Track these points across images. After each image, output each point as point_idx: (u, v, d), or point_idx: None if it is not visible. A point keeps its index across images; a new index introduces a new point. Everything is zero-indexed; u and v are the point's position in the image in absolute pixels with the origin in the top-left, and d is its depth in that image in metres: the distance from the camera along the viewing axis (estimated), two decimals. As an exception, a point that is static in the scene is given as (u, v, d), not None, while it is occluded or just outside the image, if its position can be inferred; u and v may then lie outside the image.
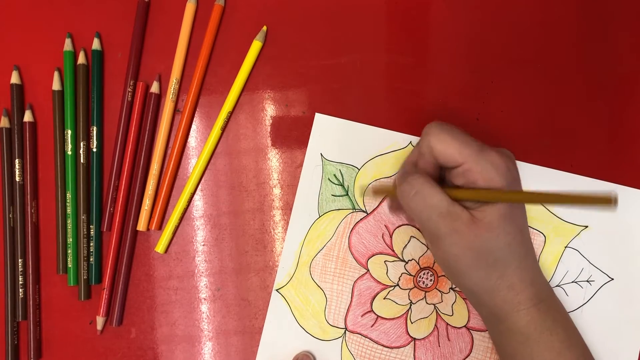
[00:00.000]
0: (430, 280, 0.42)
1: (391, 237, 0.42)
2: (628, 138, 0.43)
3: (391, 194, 0.39)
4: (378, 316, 0.42)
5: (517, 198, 0.33)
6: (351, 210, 0.42)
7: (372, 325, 0.42)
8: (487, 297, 0.34)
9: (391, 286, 0.42)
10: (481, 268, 0.33)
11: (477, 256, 0.33)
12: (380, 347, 0.41)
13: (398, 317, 0.42)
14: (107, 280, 0.42)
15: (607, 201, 0.25)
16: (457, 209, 0.33)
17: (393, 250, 0.42)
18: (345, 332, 0.41)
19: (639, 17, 0.43)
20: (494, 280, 0.33)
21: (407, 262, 0.42)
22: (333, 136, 0.42)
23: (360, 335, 0.41)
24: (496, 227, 0.32)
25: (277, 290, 0.42)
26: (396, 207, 0.40)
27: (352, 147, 0.42)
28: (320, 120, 0.42)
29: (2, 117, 0.42)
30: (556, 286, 0.41)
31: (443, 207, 0.33)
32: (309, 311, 0.42)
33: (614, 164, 0.42)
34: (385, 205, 0.42)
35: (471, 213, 0.33)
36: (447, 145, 0.33)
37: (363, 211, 0.42)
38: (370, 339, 0.41)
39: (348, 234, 0.42)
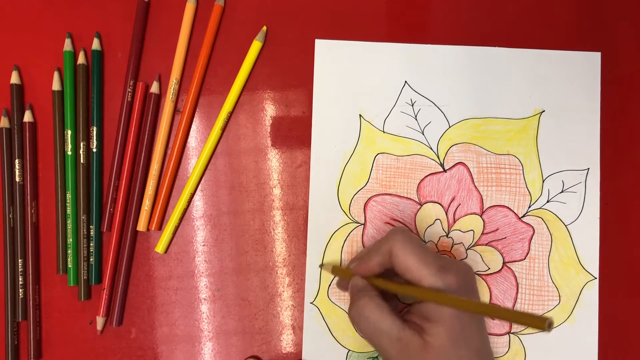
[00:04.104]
0: None
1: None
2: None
3: (343, 276, 0.39)
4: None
5: (455, 304, 0.31)
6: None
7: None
8: None
9: None
10: None
11: None
12: None
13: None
14: (107, 280, 0.42)
15: (542, 325, 0.25)
16: (408, 334, 0.32)
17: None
18: None
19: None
20: None
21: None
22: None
23: None
24: (448, 352, 0.31)
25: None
26: (344, 286, 0.40)
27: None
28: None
29: (2, 117, 0.42)
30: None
31: (393, 333, 0.32)
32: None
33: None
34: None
35: (422, 337, 0.32)
36: (408, 258, 0.33)
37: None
38: None
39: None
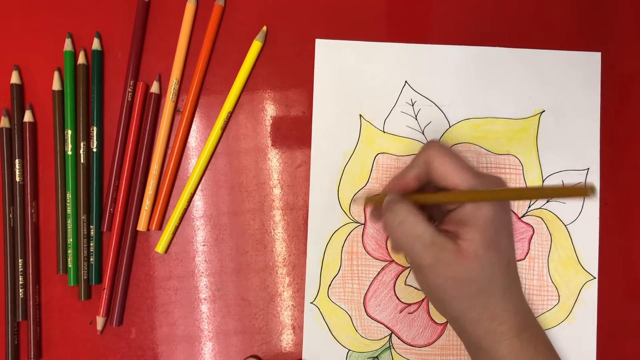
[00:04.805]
0: None
1: None
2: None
3: (376, 204, 0.39)
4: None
5: (498, 195, 0.32)
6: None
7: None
8: (471, 327, 0.33)
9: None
10: (464, 298, 0.33)
11: (461, 286, 0.32)
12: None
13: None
14: (107, 280, 0.42)
15: (584, 192, 0.25)
16: (442, 239, 0.32)
17: None
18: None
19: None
20: (477, 311, 0.33)
21: None
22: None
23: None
24: (481, 257, 0.32)
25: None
26: (377, 216, 0.40)
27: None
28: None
29: (2, 117, 0.42)
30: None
31: (427, 238, 0.33)
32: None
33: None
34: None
35: (457, 242, 0.32)
36: (446, 165, 0.33)
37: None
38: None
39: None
